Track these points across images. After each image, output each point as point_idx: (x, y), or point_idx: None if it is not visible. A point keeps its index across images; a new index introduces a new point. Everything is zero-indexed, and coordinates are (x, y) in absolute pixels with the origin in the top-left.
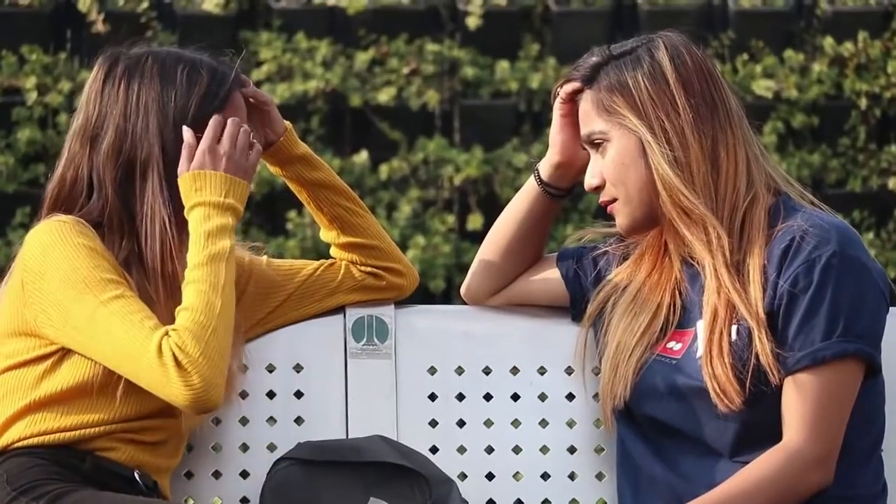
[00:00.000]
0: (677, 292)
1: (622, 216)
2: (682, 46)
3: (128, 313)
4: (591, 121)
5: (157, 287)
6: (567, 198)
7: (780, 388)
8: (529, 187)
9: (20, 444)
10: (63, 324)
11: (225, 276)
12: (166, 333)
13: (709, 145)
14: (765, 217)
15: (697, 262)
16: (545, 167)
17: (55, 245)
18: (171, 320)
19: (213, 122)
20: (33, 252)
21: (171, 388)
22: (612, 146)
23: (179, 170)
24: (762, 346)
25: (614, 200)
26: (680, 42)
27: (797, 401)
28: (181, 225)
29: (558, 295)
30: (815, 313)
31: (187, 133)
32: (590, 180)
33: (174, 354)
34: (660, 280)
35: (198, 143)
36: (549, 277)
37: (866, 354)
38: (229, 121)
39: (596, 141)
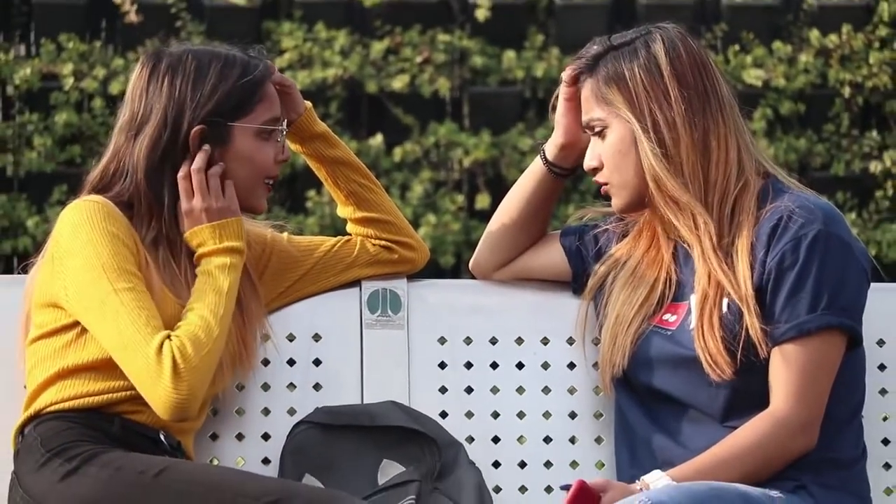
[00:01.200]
0: (672, 268)
1: (616, 198)
2: (677, 39)
3: (137, 307)
4: (590, 108)
5: (181, 263)
6: (571, 177)
7: (768, 359)
8: (535, 167)
9: (52, 408)
10: (77, 301)
11: (224, 307)
12: (168, 336)
13: (699, 136)
14: (755, 200)
15: (687, 245)
16: (550, 148)
17: (83, 225)
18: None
19: (182, 181)
20: (64, 229)
21: (159, 388)
22: (610, 133)
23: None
24: (751, 321)
25: (606, 184)
26: (676, 34)
27: (783, 370)
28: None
29: (561, 270)
30: (801, 288)
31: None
32: (588, 163)
33: (174, 357)
34: (656, 256)
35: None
36: (552, 253)
37: (849, 327)
38: (193, 170)
39: (595, 127)
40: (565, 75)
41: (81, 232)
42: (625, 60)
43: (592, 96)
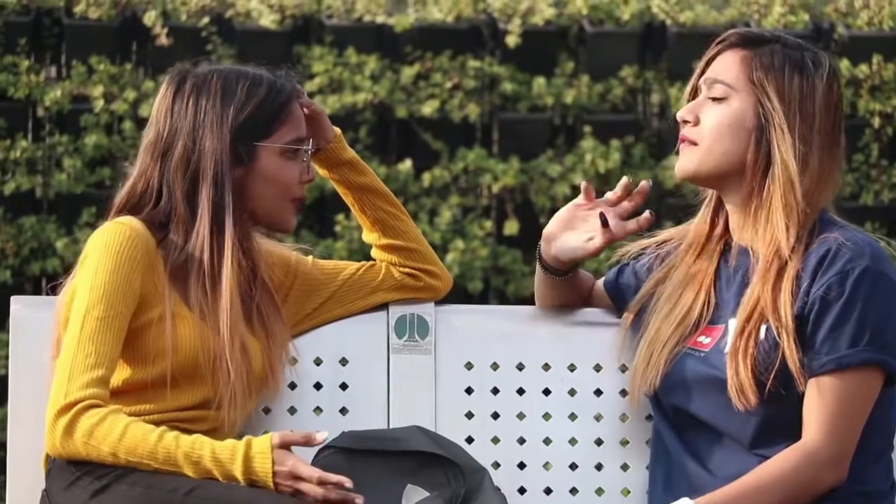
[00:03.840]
0: (713, 290)
1: (689, 161)
2: (836, 74)
3: (89, 337)
4: (728, 72)
5: (202, 289)
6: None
7: (801, 390)
8: (539, 273)
9: None
10: (69, 305)
11: (160, 466)
12: (91, 398)
13: (820, 170)
14: (806, 231)
15: (754, 257)
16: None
17: (103, 246)
18: (217, 321)
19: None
20: (89, 251)
21: (49, 417)
22: (730, 105)
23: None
24: (790, 351)
25: (693, 143)
26: (836, 70)
27: (818, 402)
28: (229, 234)
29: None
30: (845, 321)
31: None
32: (684, 114)
33: (71, 412)
34: (697, 276)
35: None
36: (601, 301)
37: (888, 365)
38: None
39: (717, 88)
40: (583, 188)
41: (97, 253)
42: (790, 61)
43: (741, 65)
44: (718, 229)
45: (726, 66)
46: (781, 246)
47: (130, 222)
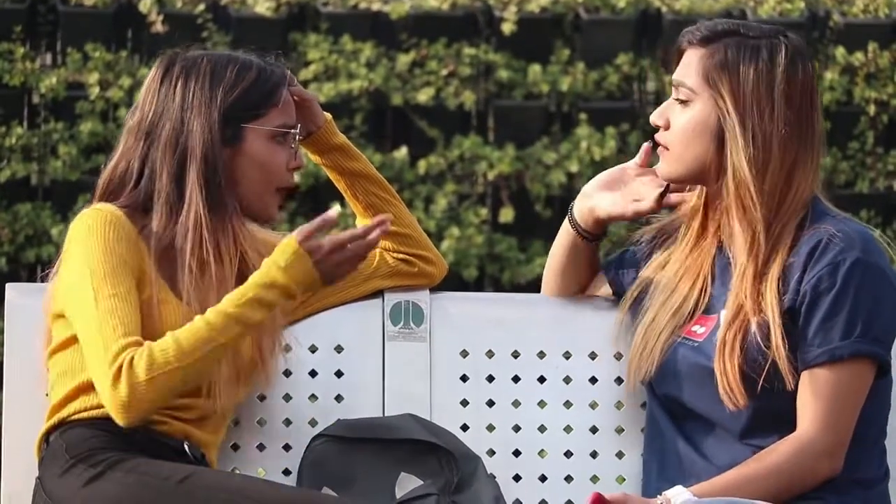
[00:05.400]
0: (709, 278)
1: (665, 164)
2: (799, 59)
3: (109, 313)
4: (689, 74)
5: (189, 273)
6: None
7: (792, 383)
8: (564, 234)
9: (77, 416)
10: (66, 303)
11: (229, 338)
12: (130, 345)
13: (789, 162)
14: (797, 223)
15: (732, 257)
16: (583, 213)
17: (85, 232)
18: (207, 305)
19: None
20: (71, 239)
21: (105, 391)
22: (693, 109)
23: (297, 236)
24: (778, 351)
25: (665, 148)
26: (798, 53)
27: (812, 394)
28: (216, 216)
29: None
30: (837, 313)
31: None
32: (655, 119)
33: (120, 366)
34: (694, 264)
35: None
36: (602, 288)
37: (880, 356)
38: (352, 244)
39: (682, 91)
40: (644, 149)
41: (81, 239)
42: (745, 55)
43: (698, 66)
44: (713, 217)
45: (687, 68)
46: (748, 248)
47: (109, 208)
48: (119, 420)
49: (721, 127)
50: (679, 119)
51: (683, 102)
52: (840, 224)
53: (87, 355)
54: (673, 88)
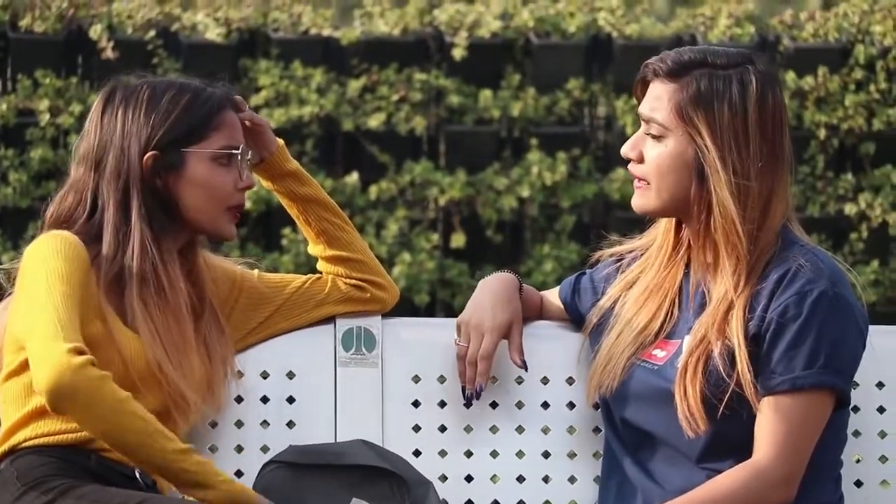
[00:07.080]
0: (676, 302)
1: (643, 199)
2: (769, 87)
3: (68, 308)
4: (660, 109)
5: (139, 301)
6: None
7: (752, 409)
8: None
9: (28, 443)
10: (21, 322)
11: (153, 451)
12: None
13: (767, 192)
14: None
15: (706, 288)
16: None
17: (42, 253)
18: (156, 333)
19: None
20: (26, 263)
21: (52, 356)
22: (668, 144)
23: None
24: (743, 376)
25: (642, 181)
26: (768, 81)
27: (771, 421)
28: (163, 243)
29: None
30: (801, 343)
31: None
32: (627, 151)
33: (81, 352)
34: (662, 286)
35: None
36: (556, 312)
37: (841, 388)
38: None
39: (653, 127)
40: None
41: (41, 258)
42: (716, 87)
43: (669, 102)
44: (683, 242)
45: (658, 103)
46: (728, 287)
47: (65, 234)
48: (43, 384)
49: (700, 161)
50: (653, 153)
51: (656, 137)
52: (808, 254)
53: (36, 330)
54: (643, 123)
